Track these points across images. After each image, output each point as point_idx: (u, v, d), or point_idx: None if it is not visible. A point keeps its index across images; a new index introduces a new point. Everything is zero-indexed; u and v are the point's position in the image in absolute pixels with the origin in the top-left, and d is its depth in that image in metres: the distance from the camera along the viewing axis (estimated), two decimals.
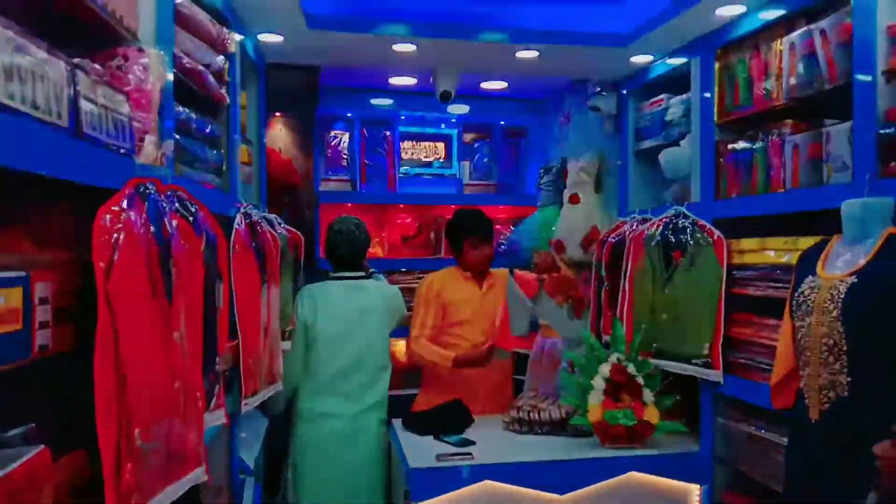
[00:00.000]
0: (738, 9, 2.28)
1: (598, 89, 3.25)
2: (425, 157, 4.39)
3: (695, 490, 2.52)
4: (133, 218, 1.11)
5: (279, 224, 2.69)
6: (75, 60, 1.07)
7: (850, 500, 1.47)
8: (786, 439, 2.07)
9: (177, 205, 1.36)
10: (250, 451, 2.38)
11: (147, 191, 1.21)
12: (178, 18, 1.68)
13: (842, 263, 1.69)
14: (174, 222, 1.31)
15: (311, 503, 2.94)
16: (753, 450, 2.24)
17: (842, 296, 1.60)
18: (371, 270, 3.33)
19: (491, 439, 2.70)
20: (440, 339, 3.08)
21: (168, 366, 1.20)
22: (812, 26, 2.02)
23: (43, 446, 0.95)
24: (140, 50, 1.38)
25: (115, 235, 1.06)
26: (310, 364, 2.95)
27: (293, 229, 2.93)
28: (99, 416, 0.98)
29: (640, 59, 2.92)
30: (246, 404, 2.07)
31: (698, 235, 2.42)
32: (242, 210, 2.12)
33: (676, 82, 2.83)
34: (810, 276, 1.74)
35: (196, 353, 1.39)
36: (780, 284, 2.08)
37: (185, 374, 1.30)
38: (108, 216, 1.04)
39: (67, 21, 1.24)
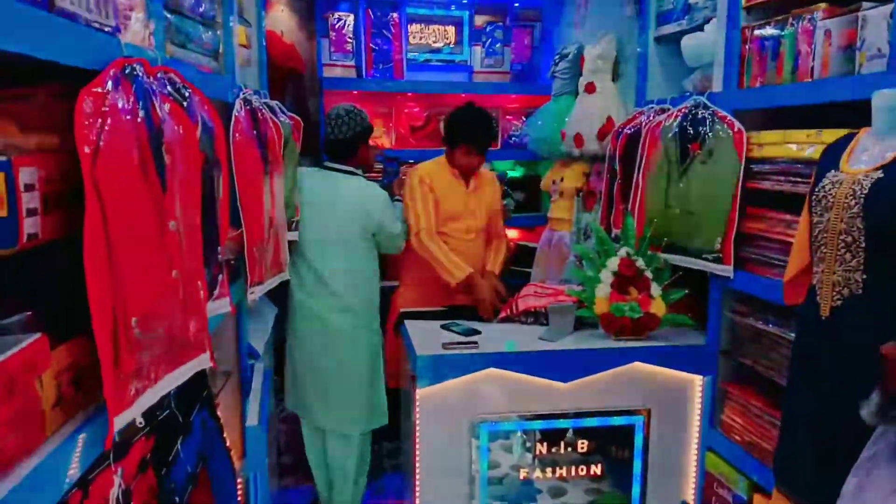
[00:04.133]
0: None
1: None
2: (434, 42, 4.20)
3: (698, 380, 2.56)
4: (119, 101, 1.05)
5: (281, 111, 2.60)
6: None
7: (854, 398, 1.46)
8: (793, 334, 2.08)
9: (168, 88, 1.29)
10: (259, 337, 2.42)
11: (134, 72, 1.14)
12: None
13: (868, 158, 1.62)
14: (166, 106, 1.25)
15: (295, 396, 3.03)
16: (759, 344, 2.25)
17: (865, 191, 1.54)
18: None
19: (496, 329, 2.73)
20: None
21: (164, 255, 1.18)
22: None
23: (41, 334, 0.94)
24: None
25: (100, 120, 1.00)
26: (292, 251, 2.85)
27: (294, 115, 2.84)
28: (93, 305, 0.96)
29: None
30: (252, 293, 2.07)
31: (718, 127, 2.32)
32: (242, 96, 2.04)
33: None
34: (833, 171, 1.67)
35: (195, 243, 1.36)
36: (800, 179, 2.01)
37: (184, 263, 1.28)
38: (90, 99, 0.97)
39: None
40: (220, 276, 1.59)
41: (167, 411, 1.31)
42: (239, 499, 1.81)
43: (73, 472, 0.97)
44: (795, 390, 1.80)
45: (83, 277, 0.96)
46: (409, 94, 4.09)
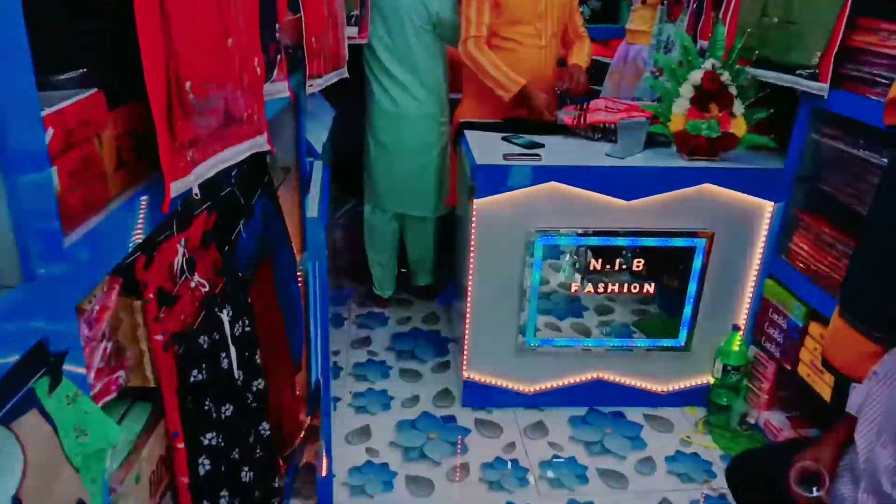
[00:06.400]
0: None
1: None
2: None
3: (768, 206, 2.44)
4: None
5: None
6: None
7: None
8: (885, 160, 1.93)
9: None
10: (317, 137, 2.37)
11: None
12: None
13: None
14: None
15: (373, 187, 3.19)
16: (845, 169, 2.10)
17: None
18: None
19: (560, 143, 2.62)
20: (490, 42, 2.80)
21: (218, 20, 1.09)
22: None
23: (96, 89, 0.90)
24: None
25: None
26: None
27: None
28: (146, 64, 0.90)
29: None
30: (311, 85, 1.99)
31: None
32: None
33: None
34: None
35: (251, 14, 1.27)
36: None
37: (240, 33, 1.19)
38: None
39: None
40: (279, 58, 1.50)
41: (228, 189, 1.29)
42: (299, 285, 1.86)
43: (138, 235, 0.97)
44: (881, 214, 1.69)
45: (136, 37, 0.89)
46: None
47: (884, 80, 1.91)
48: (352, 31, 2.61)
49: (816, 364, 2.20)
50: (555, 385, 2.69)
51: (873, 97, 1.94)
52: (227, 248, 1.29)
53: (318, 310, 1.90)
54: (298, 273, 1.92)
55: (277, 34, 1.49)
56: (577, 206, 2.42)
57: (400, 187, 3.14)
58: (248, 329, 1.30)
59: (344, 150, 3.38)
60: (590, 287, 2.55)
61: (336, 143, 3.03)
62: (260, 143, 1.34)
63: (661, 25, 3.01)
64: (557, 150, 2.51)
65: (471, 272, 2.53)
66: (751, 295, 2.56)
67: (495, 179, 2.37)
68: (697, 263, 2.51)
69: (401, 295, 3.46)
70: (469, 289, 2.56)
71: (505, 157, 2.40)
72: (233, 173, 1.33)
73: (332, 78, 2.24)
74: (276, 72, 1.48)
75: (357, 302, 3.43)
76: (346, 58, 2.43)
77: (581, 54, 2.94)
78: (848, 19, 2.00)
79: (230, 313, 1.20)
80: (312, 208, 1.83)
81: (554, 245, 2.48)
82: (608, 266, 2.52)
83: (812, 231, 2.28)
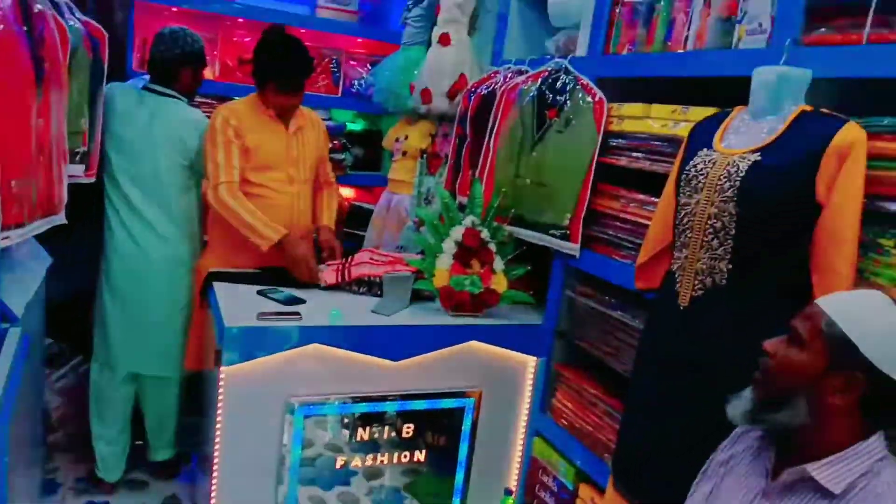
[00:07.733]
0: None
1: None
2: None
3: (532, 361, 2.43)
4: None
5: (70, 12, 2.08)
6: None
7: (710, 395, 1.35)
8: (635, 320, 1.99)
9: None
10: (20, 294, 1.91)
11: None
12: None
13: (743, 139, 1.51)
14: None
15: (106, 344, 2.72)
16: (599, 327, 2.14)
17: (741, 174, 1.42)
18: None
19: (323, 298, 2.42)
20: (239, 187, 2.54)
21: None
22: None
23: None
24: None
25: None
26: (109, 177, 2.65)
27: (94, 23, 2.31)
28: None
29: None
30: (6, 238, 1.59)
31: (578, 95, 2.16)
32: None
33: None
34: (705, 150, 1.55)
35: None
36: (660, 157, 1.90)
37: None
38: None
39: None
40: None
41: None
42: None
43: None
44: (643, 384, 1.68)
45: None
46: (241, 19, 3.55)
47: (628, 244, 2.01)
48: (77, 168, 2.24)
49: None
50: None
51: (620, 259, 2.03)
52: None
53: None
54: None
55: None
56: (342, 370, 2.19)
57: (138, 343, 2.68)
58: None
59: (68, 296, 2.85)
60: (357, 460, 2.29)
61: (58, 288, 2.53)
62: None
63: (421, 178, 3.04)
64: (320, 307, 2.30)
65: (217, 448, 2.14)
66: (520, 454, 2.48)
67: (248, 343, 2.07)
68: (467, 424, 2.38)
69: (132, 475, 2.87)
70: (216, 466, 2.16)
71: (259, 316, 2.13)
72: None
73: (40, 226, 1.85)
74: None
75: (74, 489, 2.77)
76: (65, 201, 2.06)
77: (331, 212, 2.83)
78: (592, 184, 2.10)
79: None
80: None
81: (317, 415, 2.20)
82: (376, 434, 2.30)
83: (573, 387, 2.28)
